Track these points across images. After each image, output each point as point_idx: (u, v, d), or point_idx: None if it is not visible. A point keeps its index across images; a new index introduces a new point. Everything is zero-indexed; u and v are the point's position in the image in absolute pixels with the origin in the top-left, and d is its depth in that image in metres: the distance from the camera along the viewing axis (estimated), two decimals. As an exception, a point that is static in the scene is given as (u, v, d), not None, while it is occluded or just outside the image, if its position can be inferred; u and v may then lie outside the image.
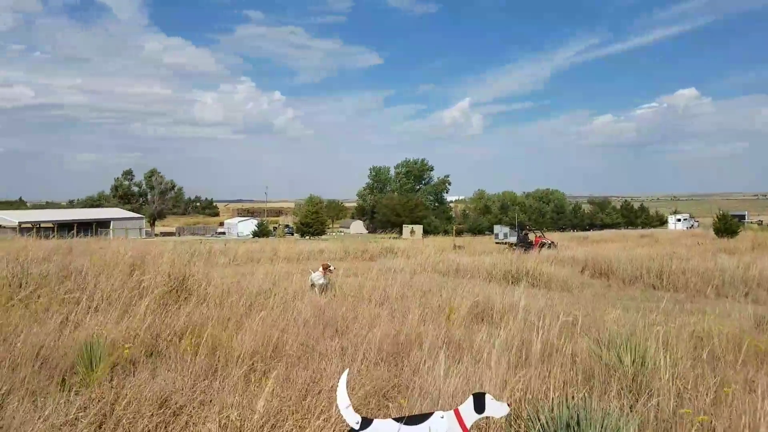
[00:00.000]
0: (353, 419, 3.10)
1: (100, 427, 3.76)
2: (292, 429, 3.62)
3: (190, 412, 4.08)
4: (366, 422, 3.10)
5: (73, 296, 7.04)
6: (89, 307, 6.57)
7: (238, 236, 72.87)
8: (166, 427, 3.82)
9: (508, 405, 3.27)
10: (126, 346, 4.96)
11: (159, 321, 6.07)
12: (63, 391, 4.18)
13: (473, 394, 3.22)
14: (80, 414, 3.77)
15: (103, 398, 4.04)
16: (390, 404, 4.49)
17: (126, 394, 4.17)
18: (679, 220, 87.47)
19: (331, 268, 10.45)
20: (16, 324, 5.47)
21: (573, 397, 3.70)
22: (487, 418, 3.58)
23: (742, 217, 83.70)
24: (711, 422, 3.93)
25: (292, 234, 78.71)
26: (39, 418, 3.41)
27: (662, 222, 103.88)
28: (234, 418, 3.83)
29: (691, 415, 3.85)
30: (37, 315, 5.96)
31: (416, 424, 3.10)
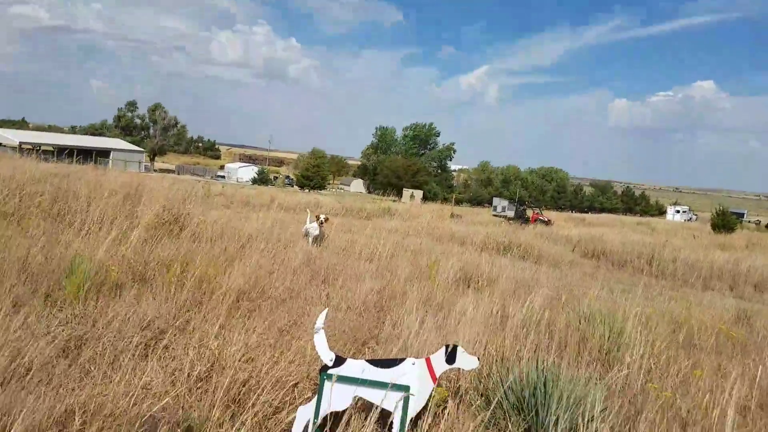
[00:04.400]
0: (327, 356, 3.17)
1: (80, 343, 3.83)
2: (267, 362, 3.70)
3: (171, 338, 4.16)
4: (339, 360, 3.17)
5: (66, 217, 7.09)
6: (80, 230, 6.62)
7: (237, 181, 72.78)
8: (145, 349, 3.90)
9: (479, 359, 3.35)
10: (113, 268, 5.01)
11: (149, 250, 6.12)
12: (47, 305, 4.25)
13: (446, 345, 3.29)
14: (61, 327, 3.84)
15: (87, 315, 4.11)
16: (367, 351, 4.59)
17: (109, 314, 4.25)
18: (678, 211, 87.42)
19: (323, 218, 10.46)
20: (7, 237, 5.52)
21: (544, 362, 3.78)
22: (457, 370, 3.67)
23: (741, 215, 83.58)
24: (676, 399, 4.02)
25: (292, 185, 78.62)
26: (20, 327, 3.48)
27: (661, 212, 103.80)
28: (213, 348, 3.91)
29: (657, 391, 3.93)
30: (28, 231, 6.00)
31: (387, 368, 3.17)
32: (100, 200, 8.00)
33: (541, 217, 42.77)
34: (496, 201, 51.85)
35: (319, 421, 3.00)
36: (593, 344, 4.96)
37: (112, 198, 8.23)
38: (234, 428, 3.07)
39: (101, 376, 3.37)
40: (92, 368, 3.51)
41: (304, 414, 3.07)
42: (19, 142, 56.24)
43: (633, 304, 6.60)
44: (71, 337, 3.90)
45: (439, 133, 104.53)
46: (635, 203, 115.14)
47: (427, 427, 3.17)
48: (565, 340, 5.00)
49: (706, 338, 6.35)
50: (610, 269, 16.75)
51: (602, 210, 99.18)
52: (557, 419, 3.05)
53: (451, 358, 3.22)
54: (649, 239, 23.44)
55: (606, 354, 4.90)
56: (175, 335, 4.20)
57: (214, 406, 3.24)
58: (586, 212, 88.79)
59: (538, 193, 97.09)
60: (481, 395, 3.59)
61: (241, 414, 3.25)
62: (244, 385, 3.47)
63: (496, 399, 3.35)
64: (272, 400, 3.38)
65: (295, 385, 3.57)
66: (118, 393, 3.08)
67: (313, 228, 10.27)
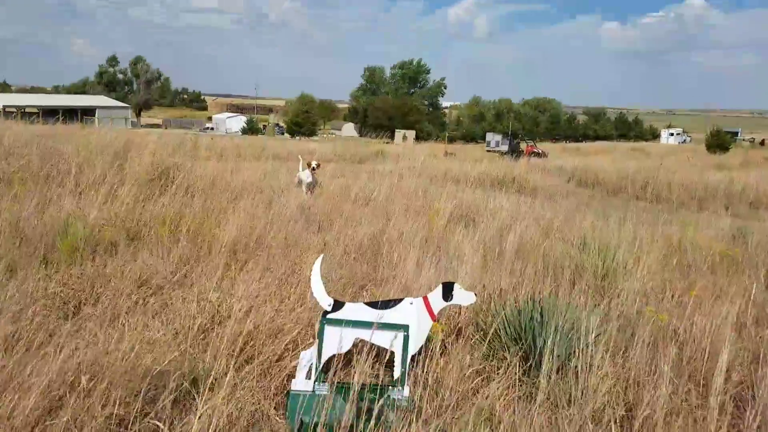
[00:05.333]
0: (326, 301, 3.20)
1: (80, 303, 3.86)
2: (268, 312, 3.73)
3: (170, 293, 4.19)
4: (338, 305, 3.21)
5: (56, 179, 7.02)
6: (71, 191, 6.56)
7: (226, 132, 71.69)
8: (145, 305, 3.93)
9: (476, 295, 3.38)
10: (107, 227, 4.99)
11: (141, 207, 6.09)
12: (43, 267, 4.25)
13: (442, 283, 3.32)
14: (59, 289, 3.85)
15: (84, 275, 4.12)
16: (366, 294, 4.64)
17: (106, 273, 4.26)
18: (672, 134, 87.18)
19: (314, 164, 10.36)
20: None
21: (540, 293, 3.82)
22: (456, 307, 3.72)
23: (735, 134, 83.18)
24: (672, 321, 4.09)
25: (283, 133, 77.62)
26: (18, 291, 3.48)
27: (655, 136, 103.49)
28: (213, 300, 3.94)
29: (653, 314, 4.00)
30: (19, 195, 5.94)
31: (386, 309, 3.21)
32: (89, 160, 7.90)
33: (535, 150, 42.55)
34: (489, 136, 51.52)
35: (322, 364, 3.05)
36: (589, 272, 5.01)
37: (100, 156, 8.12)
38: (239, 377, 3.13)
39: (104, 335, 3.40)
40: (94, 327, 3.54)
41: (307, 358, 3.13)
42: (3, 106, 55.18)
43: (628, 230, 6.65)
44: (70, 298, 3.93)
45: (429, 70, 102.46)
46: (629, 129, 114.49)
47: (428, 363, 3.24)
48: (560, 269, 5.05)
49: (702, 259, 6.42)
50: (605, 197, 16.80)
51: (596, 138, 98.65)
52: (553, 346, 3.11)
53: (447, 295, 3.26)
54: (644, 164, 23.43)
55: (601, 281, 4.96)
56: (174, 290, 4.23)
57: (218, 357, 3.29)
58: (581, 141, 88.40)
59: (531, 125, 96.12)
60: (480, 329, 3.65)
61: (245, 363, 3.31)
62: (246, 335, 3.51)
63: (493, 331, 3.41)
64: (275, 347, 3.43)
65: (297, 332, 3.62)
66: (122, 350, 3.11)
67: (306, 175, 10.19)
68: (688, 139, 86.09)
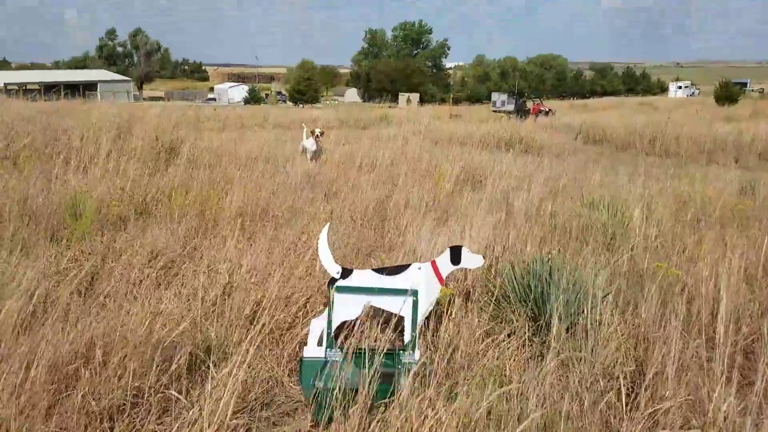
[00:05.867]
0: (334, 269, 3.21)
1: (92, 278, 3.89)
2: (277, 281, 3.75)
3: (180, 266, 4.22)
4: (346, 272, 3.22)
5: (61, 155, 7.02)
6: (77, 167, 6.56)
7: (228, 102, 71.16)
8: (156, 278, 3.96)
9: (484, 258, 3.38)
10: (114, 203, 5.01)
11: (147, 181, 6.10)
12: (54, 244, 4.28)
13: (450, 247, 3.32)
14: (71, 265, 3.89)
15: (95, 250, 4.15)
16: (374, 261, 4.65)
17: (117, 248, 4.29)
18: (680, 87, 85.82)
19: (318, 132, 10.29)
20: (5, 180, 5.49)
21: (549, 252, 3.81)
22: (464, 270, 3.73)
23: (744, 84, 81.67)
24: (682, 276, 4.08)
25: (285, 101, 76.94)
26: (30, 268, 3.51)
27: (663, 89, 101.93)
28: (223, 272, 3.97)
29: (662, 269, 3.99)
30: (25, 173, 5.96)
31: (394, 275, 3.22)
32: (93, 136, 7.89)
33: (542, 108, 42.06)
34: (494, 96, 50.78)
35: (333, 331, 3.08)
36: (598, 230, 5.00)
37: (104, 132, 8.10)
38: (252, 345, 3.16)
39: (117, 309, 3.44)
40: (107, 301, 3.58)
41: (318, 326, 3.15)
42: (4, 84, 54.92)
43: (636, 186, 6.60)
44: (82, 273, 3.96)
45: (431, 30, 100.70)
46: (636, 83, 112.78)
47: (436, 327, 3.26)
48: (569, 229, 5.03)
49: (711, 213, 6.37)
50: (614, 153, 16.64)
51: (604, 93, 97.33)
52: (562, 305, 3.12)
53: (455, 258, 3.26)
54: (653, 119, 23.11)
55: (611, 239, 4.95)
56: (184, 263, 4.26)
57: (230, 327, 3.33)
58: (588, 97, 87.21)
59: (537, 83, 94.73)
60: (489, 292, 3.66)
61: (257, 332, 3.34)
62: (257, 305, 3.54)
63: (502, 292, 3.42)
64: (286, 316, 3.47)
65: (307, 300, 3.65)
66: (136, 322, 3.15)
67: (310, 143, 10.14)
68: (697, 91, 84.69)
